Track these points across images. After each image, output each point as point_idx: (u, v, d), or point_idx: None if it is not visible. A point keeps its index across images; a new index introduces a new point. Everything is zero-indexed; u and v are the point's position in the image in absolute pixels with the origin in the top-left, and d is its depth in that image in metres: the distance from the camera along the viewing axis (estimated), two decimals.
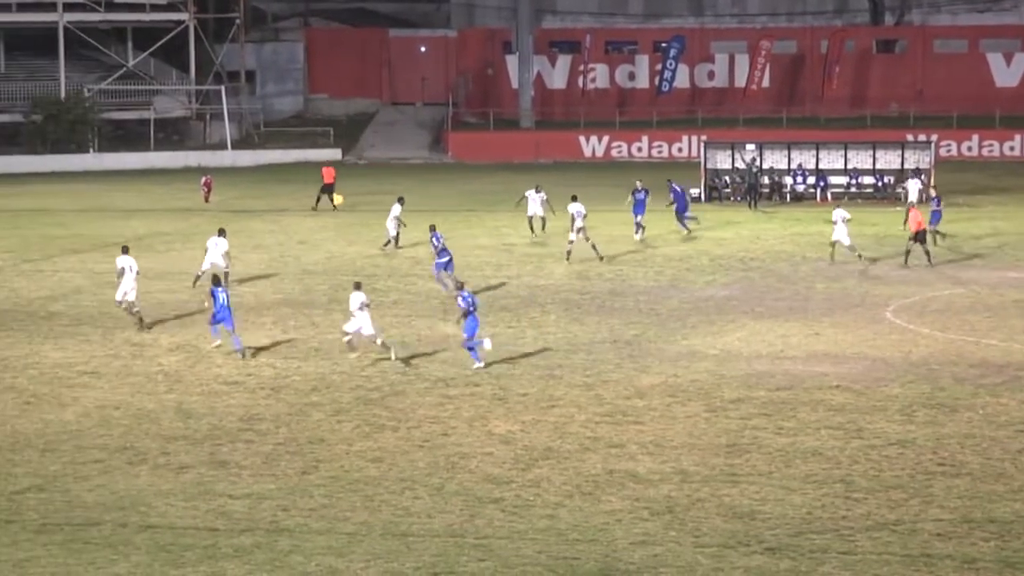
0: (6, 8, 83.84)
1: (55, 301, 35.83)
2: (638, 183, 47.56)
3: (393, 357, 28.49)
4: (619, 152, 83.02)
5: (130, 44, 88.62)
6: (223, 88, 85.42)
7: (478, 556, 17.72)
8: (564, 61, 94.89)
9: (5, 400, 26.02)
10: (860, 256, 41.51)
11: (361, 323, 28.64)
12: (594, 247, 42.08)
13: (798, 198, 58.61)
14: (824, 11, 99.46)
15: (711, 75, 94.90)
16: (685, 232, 47.46)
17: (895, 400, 25.33)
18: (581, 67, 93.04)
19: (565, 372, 27.78)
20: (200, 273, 38.00)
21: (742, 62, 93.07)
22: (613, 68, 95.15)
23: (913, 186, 52.57)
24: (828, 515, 19.15)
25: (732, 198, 58.69)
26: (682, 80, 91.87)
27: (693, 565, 17.37)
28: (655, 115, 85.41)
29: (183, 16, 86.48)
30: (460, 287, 29.55)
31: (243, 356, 29.09)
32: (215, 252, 37.46)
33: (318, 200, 57.39)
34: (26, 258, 44.12)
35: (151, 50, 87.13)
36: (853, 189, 58.75)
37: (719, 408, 24.85)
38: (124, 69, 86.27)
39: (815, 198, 58.54)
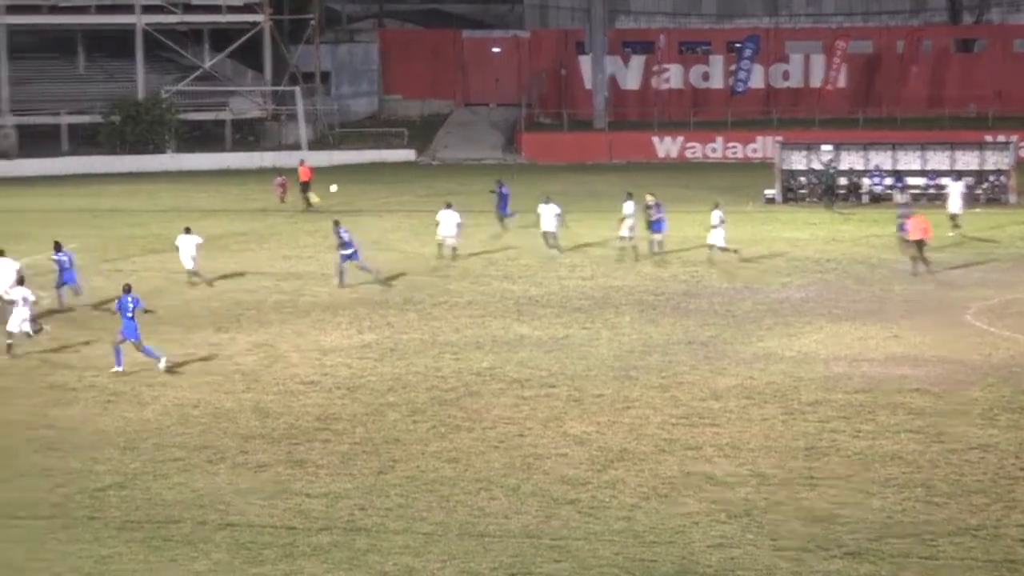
0: (85, 10, 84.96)
1: None
2: (649, 198, 43.14)
3: (11, 354, 29.57)
4: (693, 153, 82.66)
5: (207, 46, 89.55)
6: (298, 89, 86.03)
7: (554, 557, 17.70)
8: (638, 61, 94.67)
9: (87, 398, 26.37)
10: (724, 251, 41.38)
11: (19, 317, 29.77)
12: (556, 248, 43.26)
13: (875, 199, 58.08)
14: (901, 11, 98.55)
15: (786, 75, 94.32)
16: (502, 231, 47.99)
17: (976, 403, 25.02)
18: (655, 67, 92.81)
19: (640, 373, 27.69)
20: (190, 271, 38.79)
21: (817, 62, 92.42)
22: (687, 68, 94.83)
23: (955, 189, 47.60)
24: (909, 519, 18.94)
25: (808, 199, 58.28)
26: (757, 80, 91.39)
27: (772, 569, 17.24)
28: (730, 115, 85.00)
29: (259, 18, 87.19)
30: (127, 290, 28.76)
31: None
32: (185, 250, 38.40)
33: (305, 200, 56.98)
34: (105, 258, 44.62)
35: (227, 51, 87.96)
36: (931, 190, 58.10)
37: (796, 411, 24.66)
38: (201, 70, 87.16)
39: (892, 199, 57.97)
